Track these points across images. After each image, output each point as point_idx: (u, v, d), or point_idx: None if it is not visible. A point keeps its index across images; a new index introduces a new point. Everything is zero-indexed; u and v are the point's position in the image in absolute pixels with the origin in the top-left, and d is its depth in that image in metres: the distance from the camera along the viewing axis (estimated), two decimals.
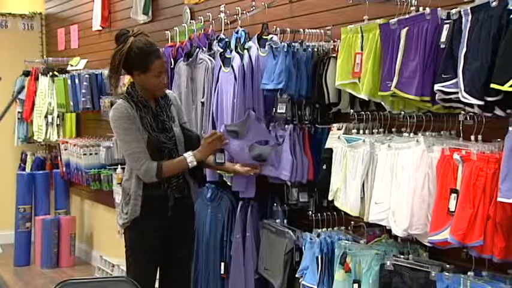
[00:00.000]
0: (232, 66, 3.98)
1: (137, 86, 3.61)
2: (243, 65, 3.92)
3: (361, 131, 3.26)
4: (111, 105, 6.02)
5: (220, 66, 4.12)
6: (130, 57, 3.52)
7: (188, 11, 5.16)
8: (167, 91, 3.80)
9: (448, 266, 2.87)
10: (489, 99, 2.45)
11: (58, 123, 7.34)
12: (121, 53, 3.53)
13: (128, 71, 3.61)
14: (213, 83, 4.20)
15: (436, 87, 2.66)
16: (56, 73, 7.42)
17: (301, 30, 3.75)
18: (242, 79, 3.90)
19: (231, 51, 4.11)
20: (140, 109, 3.57)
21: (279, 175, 3.69)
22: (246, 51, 3.97)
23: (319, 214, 3.60)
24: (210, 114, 4.20)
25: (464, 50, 2.54)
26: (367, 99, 3.15)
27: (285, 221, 3.89)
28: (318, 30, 3.75)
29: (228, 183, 4.12)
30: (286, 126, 3.68)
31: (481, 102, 2.47)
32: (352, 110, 3.32)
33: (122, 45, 3.54)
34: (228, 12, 4.39)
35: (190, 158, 3.58)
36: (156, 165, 3.52)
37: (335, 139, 3.30)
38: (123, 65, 3.54)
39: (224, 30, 4.39)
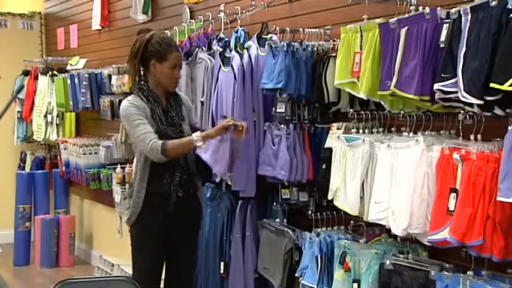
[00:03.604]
0: (231, 66, 3.98)
1: (150, 80, 3.65)
2: (243, 64, 3.92)
3: (360, 131, 3.26)
4: (111, 104, 6.09)
5: (220, 66, 4.12)
6: (151, 44, 3.60)
7: (188, 10, 5.16)
8: (180, 93, 3.85)
9: (447, 265, 2.87)
10: (489, 98, 2.45)
11: (57, 122, 7.34)
12: (142, 39, 3.63)
13: (145, 60, 3.64)
14: (213, 83, 4.20)
15: (436, 86, 2.66)
16: (55, 72, 7.42)
17: (301, 29, 3.75)
18: (242, 78, 3.90)
19: (230, 50, 4.11)
20: (151, 102, 3.61)
21: (276, 175, 3.69)
22: (245, 50, 3.98)
23: (318, 213, 3.60)
24: (210, 113, 4.20)
25: (464, 49, 2.55)
26: (366, 98, 3.15)
27: (285, 220, 3.89)
28: (317, 30, 3.75)
29: (228, 182, 4.12)
30: (282, 126, 3.68)
31: (480, 102, 2.48)
32: (351, 110, 3.32)
33: (143, 35, 3.65)
34: (227, 11, 4.39)
35: (197, 137, 3.51)
36: (160, 143, 3.50)
37: (335, 138, 3.30)
38: (142, 51, 3.61)
39: (224, 29, 4.39)
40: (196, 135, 3.51)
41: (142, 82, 3.68)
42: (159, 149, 3.47)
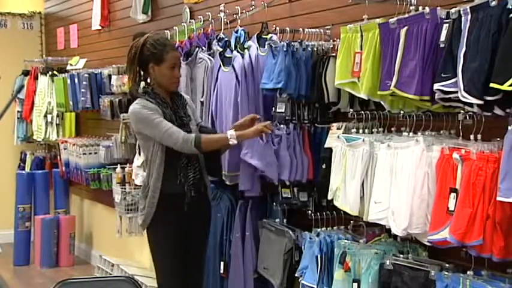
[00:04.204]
0: (233, 66, 3.97)
1: (151, 82, 3.65)
2: (245, 64, 3.91)
3: (360, 131, 3.26)
4: (111, 104, 6.08)
5: (220, 66, 4.12)
6: (146, 49, 3.59)
7: (188, 10, 5.16)
8: (182, 93, 3.85)
9: (447, 265, 2.87)
10: (489, 98, 2.45)
11: (57, 122, 7.34)
12: (137, 45, 3.62)
13: (143, 65, 3.63)
14: (212, 83, 4.19)
15: (436, 86, 2.66)
16: (55, 72, 7.42)
17: (301, 29, 3.75)
18: (245, 78, 3.89)
19: (231, 50, 4.11)
20: (160, 104, 3.60)
21: (278, 175, 3.68)
22: (246, 50, 3.97)
23: (318, 213, 3.60)
24: (209, 113, 4.20)
25: (464, 49, 2.55)
26: (366, 98, 3.15)
27: (285, 220, 3.89)
28: (317, 30, 3.75)
29: (227, 182, 4.11)
30: (282, 125, 3.68)
31: (480, 102, 2.48)
32: (351, 110, 3.32)
33: (138, 40, 3.63)
34: (227, 11, 4.39)
35: (231, 135, 3.54)
36: (194, 135, 3.53)
37: (334, 138, 3.30)
38: (138, 57, 3.60)
39: (224, 29, 4.39)
40: (230, 133, 3.54)
41: (146, 85, 3.67)
42: (192, 141, 3.49)
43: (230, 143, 3.54)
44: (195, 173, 3.64)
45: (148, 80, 3.69)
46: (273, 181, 3.75)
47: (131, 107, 3.63)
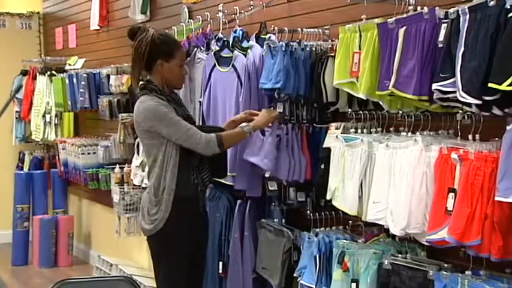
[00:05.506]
0: (233, 66, 3.96)
1: (156, 80, 3.49)
2: (248, 64, 3.89)
3: (359, 130, 3.26)
4: (110, 104, 6.08)
5: (214, 65, 4.11)
6: (156, 44, 3.44)
7: (186, 10, 5.16)
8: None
9: (446, 265, 2.87)
10: (487, 98, 2.45)
11: (56, 122, 7.34)
12: (146, 40, 3.44)
13: (151, 61, 3.46)
14: (204, 82, 4.18)
15: (434, 86, 2.66)
16: (53, 72, 7.43)
17: (299, 29, 3.75)
18: (248, 79, 3.88)
19: (231, 50, 4.10)
20: (170, 101, 3.48)
21: (277, 175, 3.68)
22: (249, 51, 3.96)
23: (317, 213, 3.60)
24: (201, 112, 4.19)
25: (462, 49, 2.55)
26: (365, 98, 3.15)
27: (283, 220, 3.89)
28: (316, 30, 3.75)
29: (229, 182, 4.10)
30: (282, 125, 3.67)
31: (478, 102, 2.48)
32: (350, 109, 3.32)
33: (144, 35, 3.46)
34: (226, 11, 4.39)
35: (247, 128, 3.52)
36: (215, 135, 3.44)
37: (333, 138, 3.30)
38: (147, 52, 3.43)
39: (222, 29, 4.39)
40: (245, 126, 3.53)
41: (146, 82, 3.52)
42: (215, 142, 3.42)
43: (247, 135, 3.54)
44: (207, 174, 3.60)
45: (148, 78, 3.52)
46: (267, 172, 3.68)
47: (144, 104, 3.44)
